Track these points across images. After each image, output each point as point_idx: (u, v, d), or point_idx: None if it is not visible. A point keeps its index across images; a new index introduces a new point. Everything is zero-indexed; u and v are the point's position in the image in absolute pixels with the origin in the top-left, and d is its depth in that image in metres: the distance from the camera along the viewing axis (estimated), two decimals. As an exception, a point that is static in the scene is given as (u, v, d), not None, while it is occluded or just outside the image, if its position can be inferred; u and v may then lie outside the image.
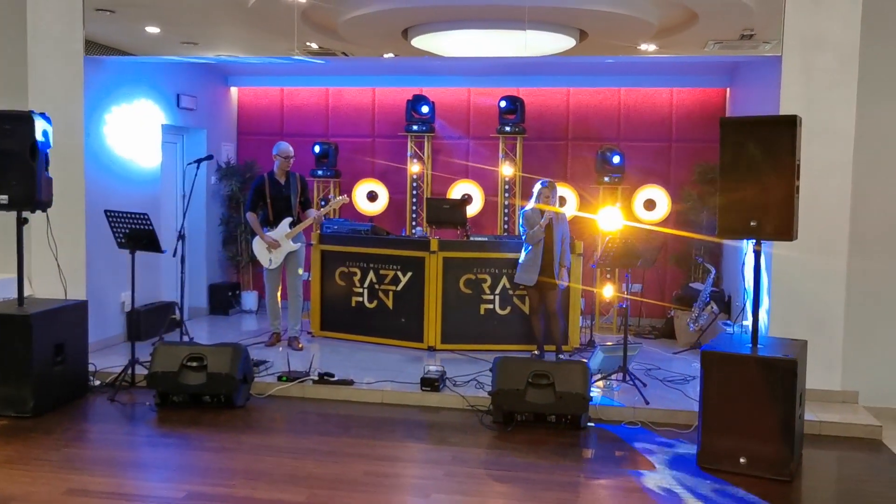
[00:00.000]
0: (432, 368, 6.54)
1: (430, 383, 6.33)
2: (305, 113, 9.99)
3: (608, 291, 8.68)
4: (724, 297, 8.29)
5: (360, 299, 8.14)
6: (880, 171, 6.23)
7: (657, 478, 4.88)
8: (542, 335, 7.40)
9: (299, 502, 4.39)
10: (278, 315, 7.84)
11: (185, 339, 7.60)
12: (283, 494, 4.49)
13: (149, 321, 8.02)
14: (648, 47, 6.84)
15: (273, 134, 9.99)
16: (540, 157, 9.48)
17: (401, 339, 7.93)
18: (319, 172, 9.34)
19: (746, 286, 5.42)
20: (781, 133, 4.90)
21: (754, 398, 4.88)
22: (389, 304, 8.00)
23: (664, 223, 9.06)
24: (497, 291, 7.84)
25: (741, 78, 8.72)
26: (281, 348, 7.64)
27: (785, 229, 4.91)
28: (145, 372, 6.50)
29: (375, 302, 8.07)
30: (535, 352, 7.41)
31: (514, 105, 9.06)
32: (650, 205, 9.02)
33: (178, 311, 8.41)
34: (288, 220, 7.57)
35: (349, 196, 8.47)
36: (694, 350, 7.99)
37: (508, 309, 7.86)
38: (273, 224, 7.58)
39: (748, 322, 5.49)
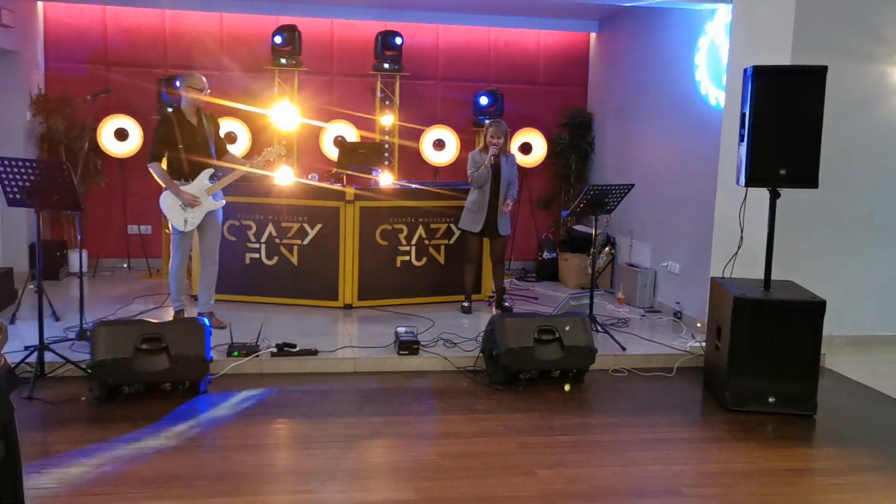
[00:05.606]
0: (403, 330, 5.97)
1: (409, 346, 5.78)
2: (137, 38, 8.49)
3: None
4: (609, 240, 8.55)
5: (257, 256, 7.17)
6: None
7: (707, 424, 4.96)
8: (472, 286, 7.12)
9: (411, 500, 3.79)
10: (184, 289, 6.42)
11: (52, 315, 6.28)
12: (381, 494, 3.84)
13: (-7, 294, 6.45)
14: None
15: (94, 62, 8.39)
16: (412, 98, 8.99)
17: (310, 297, 7.15)
18: (170, 110, 7.96)
19: (743, 233, 5.58)
20: (810, 83, 5.06)
21: (784, 339, 5.09)
22: (294, 260, 7.15)
23: (539, 167, 9.11)
24: (413, 242, 7.35)
25: (610, 25, 8.91)
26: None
27: (811, 177, 5.12)
28: (54, 359, 5.23)
29: (276, 258, 7.16)
30: (465, 303, 7.10)
31: (396, 41, 8.45)
32: (526, 148, 8.98)
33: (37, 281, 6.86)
34: (208, 171, 6.16)
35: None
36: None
37: (425, 260, 7.41)
38: (189, 178, 6.12)
39: (721, 266, 5.69)
